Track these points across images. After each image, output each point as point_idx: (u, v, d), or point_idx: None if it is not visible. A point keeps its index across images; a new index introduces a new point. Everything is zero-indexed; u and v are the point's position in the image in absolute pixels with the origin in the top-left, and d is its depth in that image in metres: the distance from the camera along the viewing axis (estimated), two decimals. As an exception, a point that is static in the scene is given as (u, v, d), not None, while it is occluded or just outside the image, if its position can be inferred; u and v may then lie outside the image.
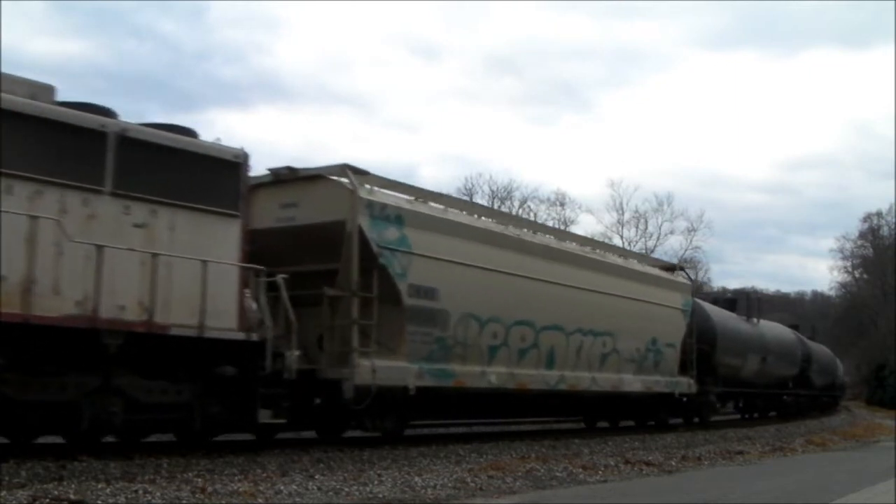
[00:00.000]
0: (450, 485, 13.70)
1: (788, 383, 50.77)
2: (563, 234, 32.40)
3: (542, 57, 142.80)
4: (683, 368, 33.17)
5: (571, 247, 28.64)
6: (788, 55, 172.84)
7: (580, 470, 16.56)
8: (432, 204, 22.60)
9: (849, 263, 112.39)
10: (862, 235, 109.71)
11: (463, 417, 27.03)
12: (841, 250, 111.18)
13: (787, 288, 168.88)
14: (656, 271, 33.71)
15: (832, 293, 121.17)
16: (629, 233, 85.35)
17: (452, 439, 22.82)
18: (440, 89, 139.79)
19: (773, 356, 45.13)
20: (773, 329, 48.35)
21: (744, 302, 47.11)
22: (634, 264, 32.50)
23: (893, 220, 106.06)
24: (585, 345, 27.00)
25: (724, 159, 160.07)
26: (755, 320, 44.95)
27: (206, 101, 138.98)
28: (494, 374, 22.94)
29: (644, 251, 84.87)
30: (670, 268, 36.22)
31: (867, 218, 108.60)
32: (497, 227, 24.77)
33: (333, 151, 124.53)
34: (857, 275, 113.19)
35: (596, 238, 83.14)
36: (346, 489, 12.62)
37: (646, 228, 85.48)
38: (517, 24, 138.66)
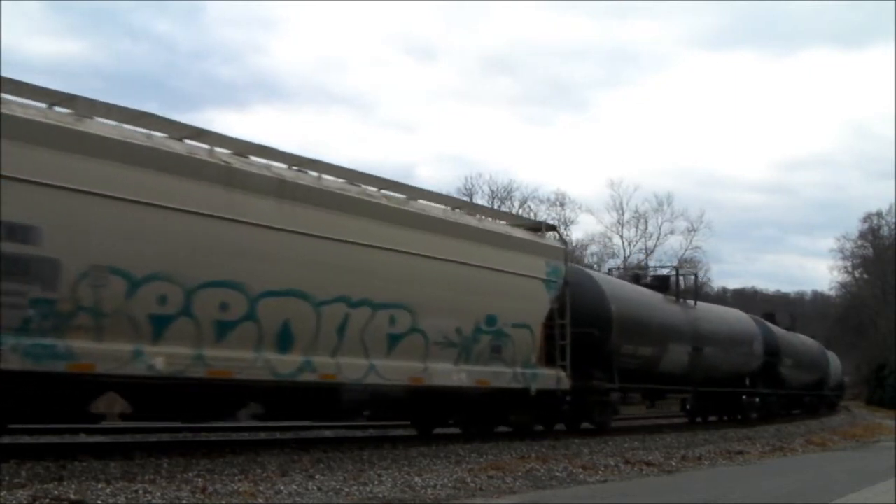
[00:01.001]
0: (450, 485, 13.71)
1: (745, 380, 42.97)
2: (353, 176, 20.91)
3: (537, 57, 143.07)
4: (551, 358, 25.32)
5: (346, 187, 20.71)
6: (786, 55, 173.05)
7: (580, 470, 16.56)
8: (59, 109, 15.66)
9: (849, 263, 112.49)
10: (862, 235, 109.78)
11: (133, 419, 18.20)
12: (841, 250, 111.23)
13: (787, 288, 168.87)
14: (504, 227, 25.61)
15: (832, 293, 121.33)
16: (629, 233, 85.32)
17: (452, 439, 22.80)
18: (437, 89, 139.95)
19: (716, 347, 36.97)
20: (715, 314, 39.93)
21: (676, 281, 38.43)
22: (462, 217, 24.01)
23: (893, 220, 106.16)
24: (355, 320, 19.68)
25: (721, 159, 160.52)
26: (690, 303, 37.07)
27: (204, 101, 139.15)
28: (162, 357, 16.15)
29: (644, 251, 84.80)
30: (535, 227, 27.74)
31: (867, 218, 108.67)
32: (182, 148, 17.36)
33: (332, 151, 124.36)
34: (857, 275, 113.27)
35: (596, 240, 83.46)
36: (346, 489, 12.63)
37: (646, 228, 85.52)
38: (513, 24, 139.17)
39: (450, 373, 21.95)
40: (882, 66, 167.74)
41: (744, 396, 43.54)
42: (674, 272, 40.46)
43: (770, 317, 51.29)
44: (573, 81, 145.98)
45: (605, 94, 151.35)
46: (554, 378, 25.10)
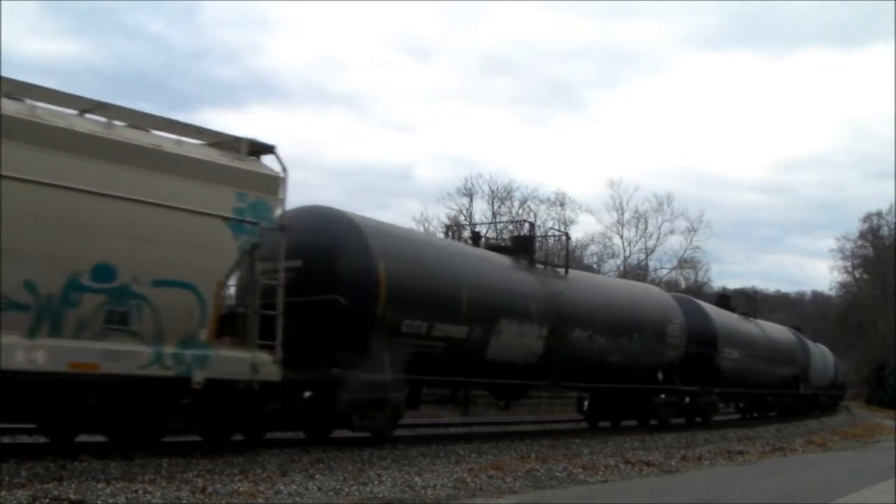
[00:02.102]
0: (450, 485, 13.72)
1: (657, 374, 32.92)
2: None
3: (535, 57, 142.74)
4: (246, 334, 17.34)
5: None
6: (783, 55, 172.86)
7: (580, 470, 16.57)
8: None
9: (849, 263, 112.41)
10: (862, 235, 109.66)
11: None
12: (841, 250, 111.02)
13: (787, 288, 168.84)
14: (156, 139, 16.39)
15: (832, 293, 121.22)
16: (629, 233, 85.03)
17: (452, 439, 22.80)
18: (435, 89, 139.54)
19: (593, 330, 27.99)
20: (596, 288, 31.17)
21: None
22: (73, 120, 15.28)
23: (893, 220, 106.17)
24: None
25: (720, 159, 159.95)
26: (559, 271, 28.72)
27: (202, 101, 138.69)
28: None
29: (644, 251, 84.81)
30: (228, 144, 17.77)
31: (867, 218, 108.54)
32: None
33: (330, 151, 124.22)
34: (857, 275, 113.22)
35: (596, 240, 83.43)
36: (346, 489, 12.63)
37: (646, 228, 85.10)
38: (510, 24, 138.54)
39: (13, 349, 13.98)
40: (880, 65, 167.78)
41: (662, 395, 33.17)
42: (536, 231, 33.34)
43: (724, 299, 44.42)
44: (572, 81, 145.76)
45: (603, 94, 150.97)
46: (246, 363, 17.06)
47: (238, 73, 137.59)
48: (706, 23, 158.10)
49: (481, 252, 26.42)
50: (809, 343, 57.23)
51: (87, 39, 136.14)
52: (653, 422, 32.88)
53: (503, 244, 29.11)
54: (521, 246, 27.81)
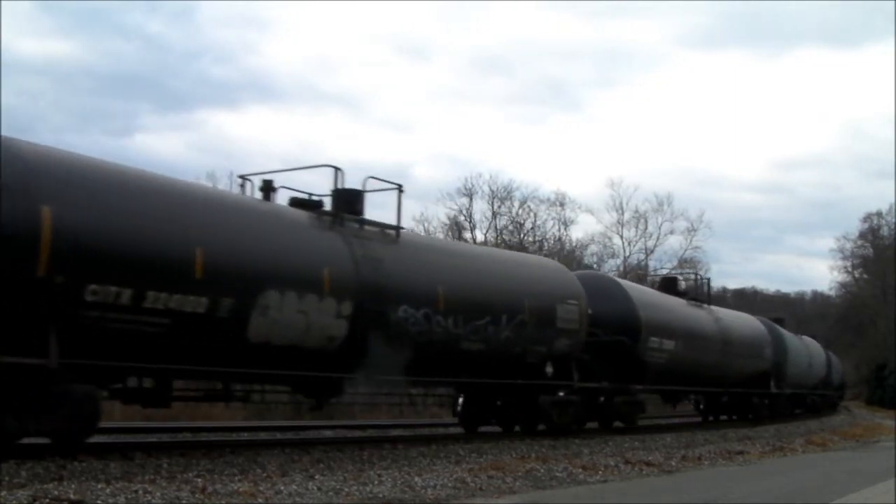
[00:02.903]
0: (450, 485, 13.71)
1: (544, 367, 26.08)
2: None
3: (530, 57, 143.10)
4: None
5: None
6: (779, 55, 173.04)
7: (580, 470, 16.56)
8: None
9: (849, 263, 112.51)
10: (862, 235, 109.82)
11: None
12: (841, 250, 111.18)
13: (787, 288, 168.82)
14: None
15: (832, 293, 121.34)
16: (629, 233, 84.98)
17: (452, 439, 22.81)
18: (431, 89, 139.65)
19: (429, 308, 21.51)
20: (420, 251, 23.29)
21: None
22: None
23: (893, 220, 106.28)
24: None
25: (718, 159, 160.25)
26: (356, 227, 21.05)
27: (197, 101, 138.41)
28: None
29: (644, 251, 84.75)
30: None
31: (867, 218, 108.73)
32: None
33: (325, 151, 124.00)
34: (857, 275, 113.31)
35: (596, 240, 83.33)
36: (346, 489, 12.63)
37: (646, 228, 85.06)
38: (504, 23, 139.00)
39: None
40: (877, 66, 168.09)
41: (560, 392, 26.68)
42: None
43: (670, 282, 38.50)
44: (568, 81, 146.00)
45: (600, 94, 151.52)
46: None
47: (234, 72, 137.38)
48: (702, 22, 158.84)
49: (245, 201, 20.17)
50: (788, 336, 49.01)
51: (83, 39, 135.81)
52: (541, 427, 26.11)
53: (313, 198, 21.32)
54: (342, 202, 21.21)
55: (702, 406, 44.72)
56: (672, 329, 32.32)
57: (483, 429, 26.96)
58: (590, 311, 27.29)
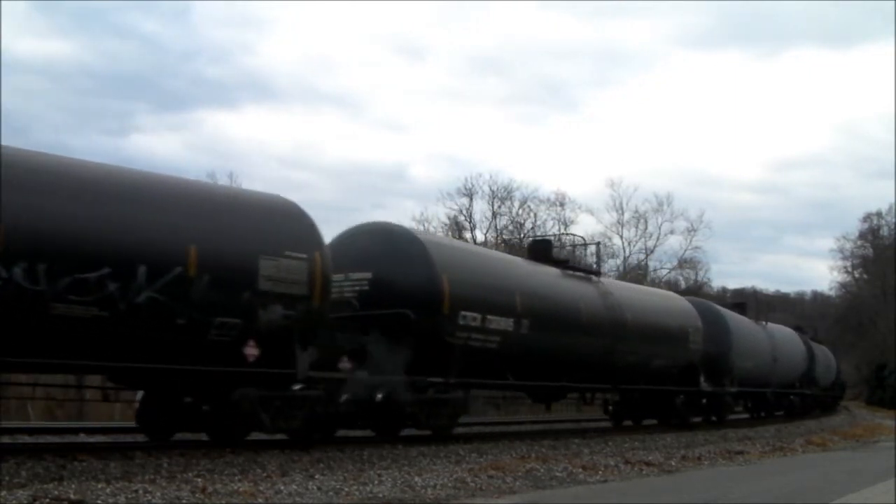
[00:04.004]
0: (450, 484, 13.73)
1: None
2: None
3: (527, 57, 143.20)
4: None
5: None
6: (774, 55, 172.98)
7: (580, 470, 16.58)
8: None
9: (849, 263, 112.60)
10: (862, 235, 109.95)
11: None
12: (841, 250, 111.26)
13: (787, 288, 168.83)
14: None
15: (832, 293, 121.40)
16: (629, 233, 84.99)
17: (452, 439, 22.82)
18: (428, 89, 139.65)
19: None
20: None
21: None
22: None
23: (893, 220, 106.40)
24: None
25: (714, 159, 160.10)
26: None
27: (194, 101, 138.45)
28: None
29: (644, 251, 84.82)
30: None
31: (867, 218, 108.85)
32: None
33: (324, 151, 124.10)
34: (857, 275, 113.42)
35: (595, 240, 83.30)
36: (346, 489, 12.64)
37: (646, 228, 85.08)
38: (501, 23, 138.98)
39: None
40: (873, 66, 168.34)
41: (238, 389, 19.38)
42: None
43: (542, 246, 30.58)
44: (564, 81, 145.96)
45: (597, 93, 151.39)
46: None
47: (231, 72, 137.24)
48: (699, 22, 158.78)
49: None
50: (737, 321, 41.60)
51: (79, 39, 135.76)
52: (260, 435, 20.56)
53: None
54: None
55: (611, 407, 35.98)
56: (508, 304, 24.41)
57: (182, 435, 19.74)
58: (356, 276, 22.23)
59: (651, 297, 35.81)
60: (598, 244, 40.64)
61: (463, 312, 22.69)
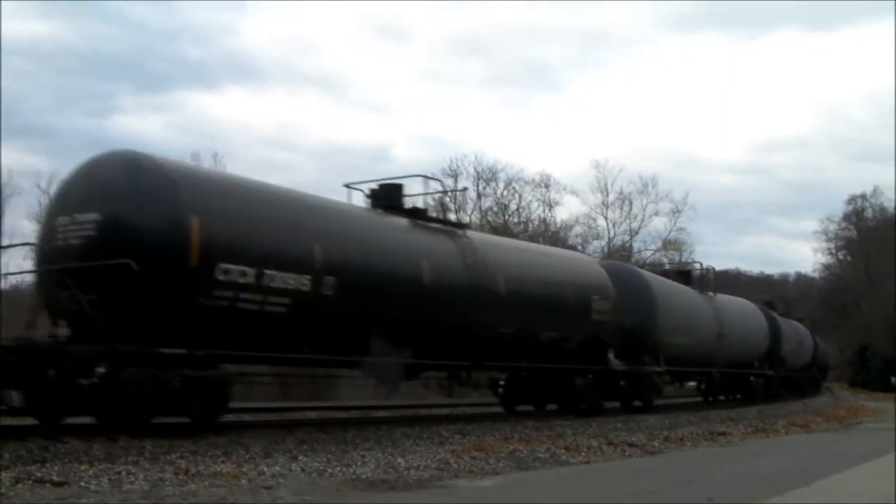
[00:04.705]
0: (433, 465, 13.75)
1: None
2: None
3: (510, 38, 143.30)
4: None
5: None
6: (755, 37, 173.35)
7: (563, 451, 16.60)
8: None
9: (832, 245, 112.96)
10: (846, 218, 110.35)
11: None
12: (825, 232, 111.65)
13: (771, 270, 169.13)
14: None
15: (815, 275, 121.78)
16: (614, 214, 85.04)
17: (436, 420, 22.85)
18: (410, 70, 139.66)
19: None
20: None
21: None
22: None
23: (878, 202, 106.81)
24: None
25: (697, 140, 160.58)
26: None
27: (176, 82, 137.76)
28: None
29: (629, 232, 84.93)
30: None
31: (851, 200, 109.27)
32: None
33: (307, 132, 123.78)
34: (840, 257, 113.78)
35: (580, 221, 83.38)
36: (330, 470, 12.64)
37: (630, 210, 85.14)
38: (483, 4, 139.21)
39: None
40: (853, 48, 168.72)
41: None
42: None
43: (389, 189, 25.06)
44: (547, 63, 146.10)
45: (580, 75, 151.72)
46: None
47: (213, 53, 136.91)
48: (679, 4, 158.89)
49: None
50: (637, 277, 35.46)
51: (61, 20, 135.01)
52: None
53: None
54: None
55: (500, 390, 30.93)
56: (301, 256, 20.02)
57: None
58: (82, 217, 18.06)
59: (538, 258, 30.28)
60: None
61: (224, 265, 18.16)
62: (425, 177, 27.17)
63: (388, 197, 24.69)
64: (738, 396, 45.99)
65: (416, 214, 25.11)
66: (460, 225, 26.89)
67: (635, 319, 32.04)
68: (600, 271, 31.87)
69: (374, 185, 25.16)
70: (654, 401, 34.37)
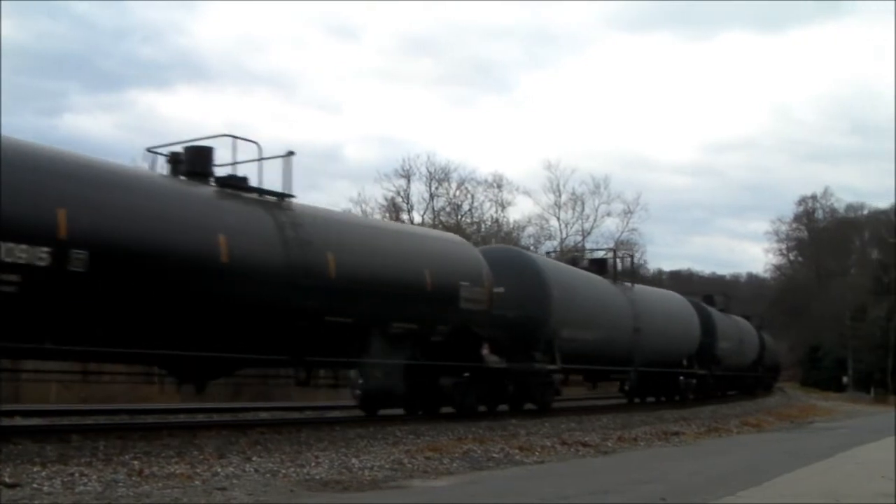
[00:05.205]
0: (387, 466, 13.76)
1: None
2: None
3: (457, 37, 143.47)
4: None
5: None
6: (705, 38, 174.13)
7: (517, 451, 16.64)
8: None
9: (784, 246, 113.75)
10: (797, 218, 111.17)
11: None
12: (776, 233, 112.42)
13: (723, 270, 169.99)
14: None
15: (767, 275, 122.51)
16: (566, 215, 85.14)
17: (389, 420, 22.83)
18: (359, 69, 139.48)
19: None
20: None
21: None
22: None
23: (828, 203, 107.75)
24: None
25: (647, 141, 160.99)
26: None
27: (127, 81, 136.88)
28: None
29: (581, 233, 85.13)
30: None
31: (802, 201, 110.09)
32: None
33: (256, 131, 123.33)
34: (791, 258, 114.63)
35: (533, 222, 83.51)
36: (284, 471, 12.63)
37: (582, 210, 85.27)
38: (431, 3, 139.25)
39: None
40: (802, 49, 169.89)
41: None
42: None
43: (196, 152, 21.01)
44: (496, 62, 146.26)
45: (529, 75, 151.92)
46: None
47: (163, 52, 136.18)
48: (629, 4, 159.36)
49: None
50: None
51: (9, 17, 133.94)
52: None
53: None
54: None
55: (357, 391, 25.98)
56: (35, 224, 16.14)
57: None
58: None
59: (386, 236, 25.86)
60: None
61: None
62: (235, 137, 21.54)
63: (192, 162, 20.86)
64: (663, 399, 42.61)
65: (228, 183, 21.06)
66: (283, 195, 21.85)
67: (523, 311, 28.25)
68: (474, 255, 27.49)
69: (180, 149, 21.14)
70: (553, 403, 30.44)
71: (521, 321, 28.08)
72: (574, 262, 38.01)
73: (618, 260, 44.86)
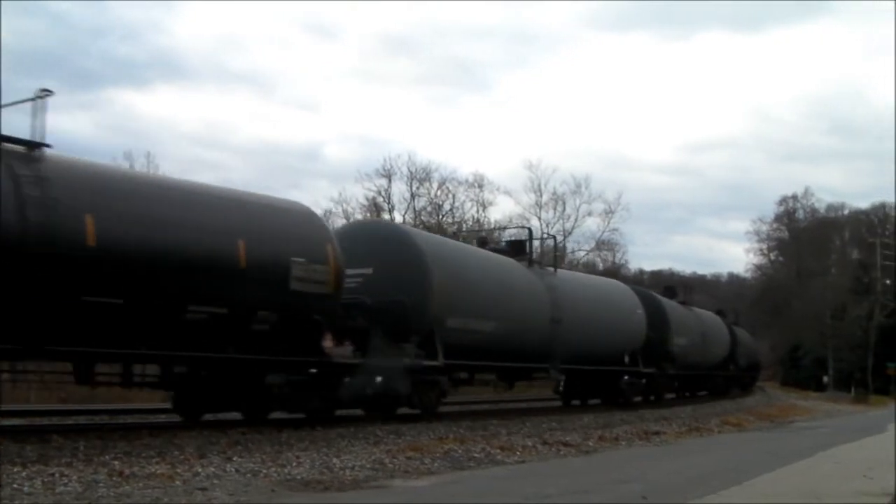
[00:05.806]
0: (368, 466, 13.75)
1: None
2: None
3: (437, 37, 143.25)
4: None
5: None
6: (684, 37, 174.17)
7: (498, 451, 16.65)
8: None
9: (764, 246, 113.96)
10: (777, 218, 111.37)
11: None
12: (756, 233, 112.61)
13: (704, 270, 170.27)
14: None
15: (748, 275, 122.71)
16: (547, 214, 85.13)
17: (371, 420, 22.80)
18: (339, 68, 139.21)
19: None
20: None
21: None
22: None
23: (808, 203, 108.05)
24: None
25: (627, 141, 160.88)
26: None
27: (105, 79, 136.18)
28: None
29: (562, 233, 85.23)
30: None
31: (783, 201, 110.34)
32: None
33: (237, 131, 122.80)
34: (772, 257, 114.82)
35: (514, 221, 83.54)
36: (265, 471, 12.62)
37: (564, 210, 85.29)
38: (411, 2, 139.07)
39: None
40: (781, 50, 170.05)
41: None
42: None
43: None
44: (476, 62, 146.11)
45: (509, 74, 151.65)
46: None
47: (142, 51, 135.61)
48: (608, 4, 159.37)
49: None
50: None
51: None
52: None
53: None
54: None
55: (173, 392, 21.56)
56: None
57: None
58: None
59: (176, 195, 19.65)
60: None
61: None
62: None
63: None
64: (598, 401, 36.66)
65: None
66: (33, 144, 17.12)
67: (393, 295, 23.54)
68: (315, 227, 22.61)
69: None
70: (439, 406, 25.46)
71: (389, 307, 23.22)
72: (483, 243, 33.88)
73: (537, 242, 40.03)
